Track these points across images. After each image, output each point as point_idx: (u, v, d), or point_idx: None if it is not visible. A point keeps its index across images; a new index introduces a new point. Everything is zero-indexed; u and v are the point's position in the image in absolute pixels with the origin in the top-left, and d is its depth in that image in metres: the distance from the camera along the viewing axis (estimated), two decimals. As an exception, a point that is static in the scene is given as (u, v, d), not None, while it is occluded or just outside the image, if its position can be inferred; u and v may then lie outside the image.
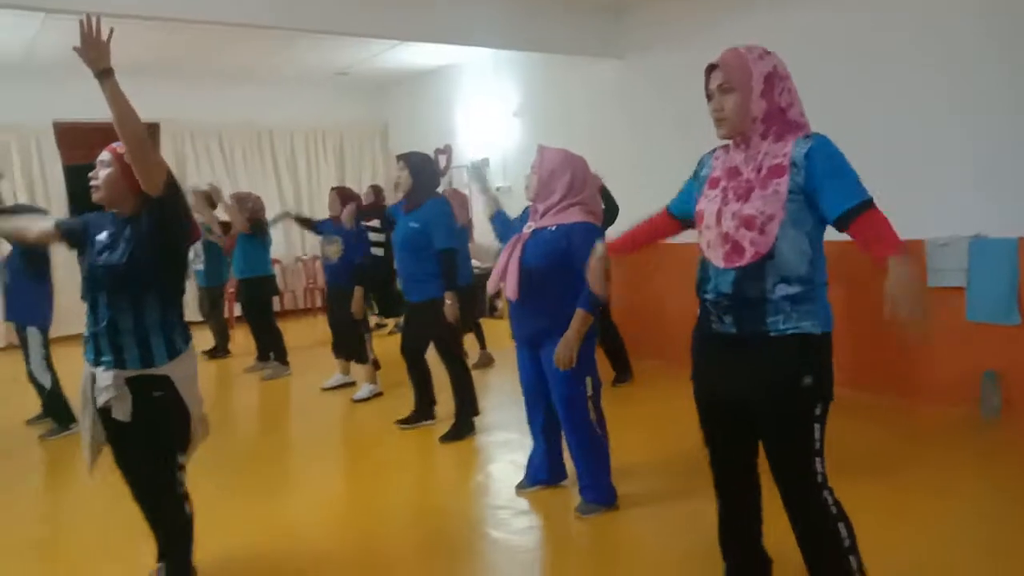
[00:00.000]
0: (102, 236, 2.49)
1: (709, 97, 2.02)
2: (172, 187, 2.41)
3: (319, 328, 8.20)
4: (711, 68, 2.01)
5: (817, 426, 1.97)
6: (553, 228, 3.11)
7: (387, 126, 10.90)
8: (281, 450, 4.67)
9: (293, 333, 6.84)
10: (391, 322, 8.26)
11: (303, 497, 3.70)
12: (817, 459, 1.98)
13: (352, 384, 5.72)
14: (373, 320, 7.13)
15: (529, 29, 6.27)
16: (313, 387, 5.85)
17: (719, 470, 2.23)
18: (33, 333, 4.84)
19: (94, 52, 2.21)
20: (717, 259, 1.99)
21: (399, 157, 4.38)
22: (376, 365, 5.59)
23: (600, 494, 3.23)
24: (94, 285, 2.46)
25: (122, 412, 2.42)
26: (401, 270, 4.46)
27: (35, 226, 2.75)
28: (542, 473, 3.52)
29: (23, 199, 8.02)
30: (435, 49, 8.68)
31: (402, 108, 10.48)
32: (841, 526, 1.99)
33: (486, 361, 6.26)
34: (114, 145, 2.43)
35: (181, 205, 2.49)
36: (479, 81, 9.04)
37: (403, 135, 10.27)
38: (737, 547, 2.27)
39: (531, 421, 3.48)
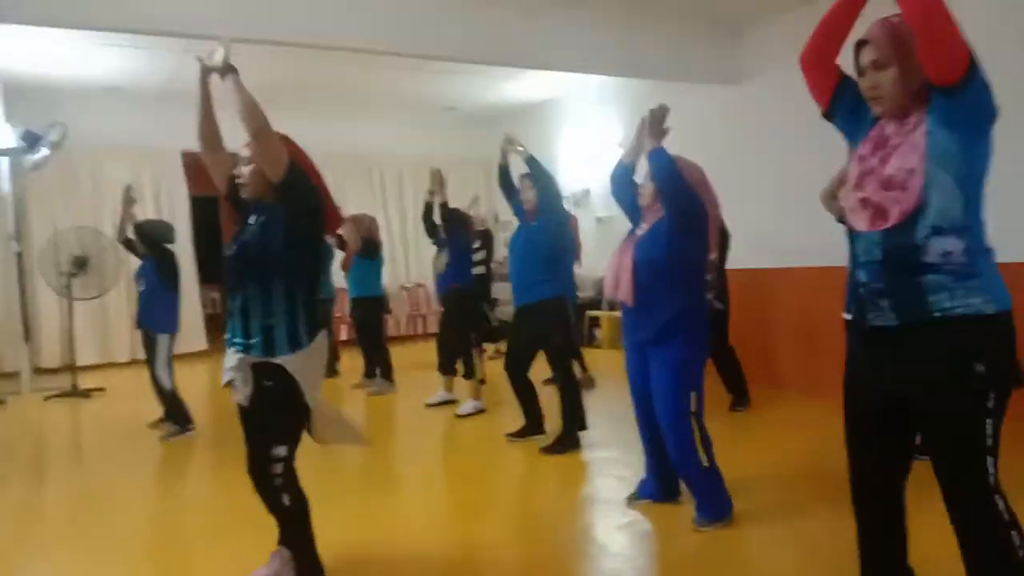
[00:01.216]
0: (251, 219, 2.59)
1: (860, 74, 1.93)
2: (294, 173, 2.47)
3: (422, 353, 8.37)
4: (860, 44, 1.92)
5: (990, 421, 1.78)
6: (662, 219, 3.11)
7: (491, 161, 11.10)
8: (388, 458, 4.74)
9: (397, 356, 6.99)
10: (491, 347, 8.32)
11: (410, 499, 3.76)
12: (989, 459, 1.79)
13: (455, 402, 5.78)
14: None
15: (641, 56, 6.35)
16: (417, 404, 5.94)
17: (863, 485, 2.06)
18: (162, 339, 5.12)
19: (219, 58, 2.47)
20: (862, 223, 1.88)
21: (525, 176, 4.46)
22: (481, 382, 5.63)
23: (711, 509, 3.12)
24: (231, 268, 2.55)
25: (241, 395, 2.49)
26: (515, 276, 4.49)
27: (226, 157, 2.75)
28: (650, 487, 3.43)
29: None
30: (540, 83, 8.88)
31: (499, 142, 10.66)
32: (1014, 535, 1.80)
33: (587, 384, 6.21)
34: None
35: (307, 191, 2.53)
36: (583, 113, 9.15)
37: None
38: (877, 565, 2.10)
39: (642, 430, 3.38)
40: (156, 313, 5.14)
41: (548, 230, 4.32)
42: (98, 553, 3.17)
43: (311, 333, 2.52)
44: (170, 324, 5.18)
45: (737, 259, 5.32)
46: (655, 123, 3.15)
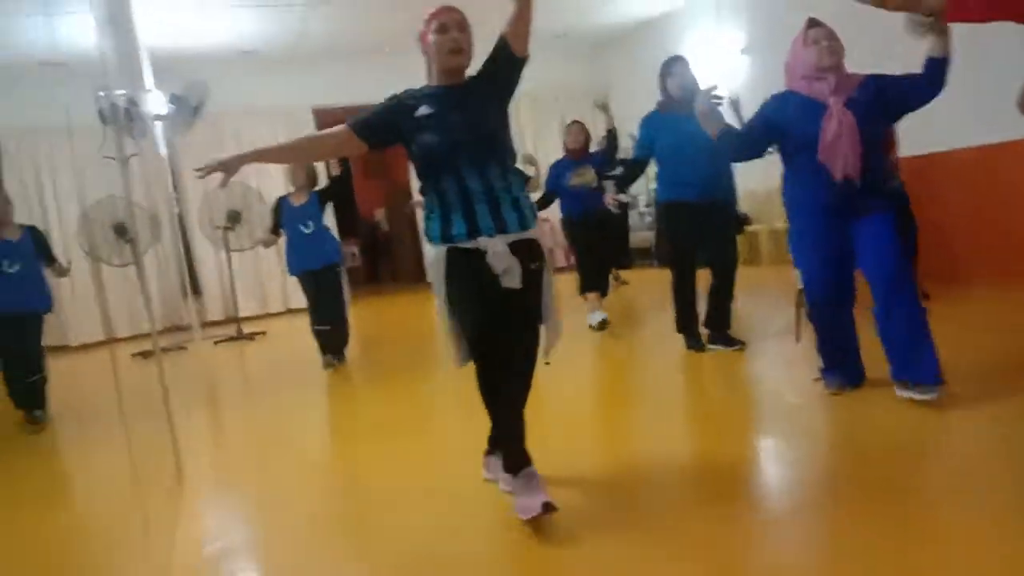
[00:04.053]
0: (424, 110, 2.41)
1: None
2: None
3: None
4: None
5: None
6: (864, 83, 3.01)
7: (608, 87, 10.96)
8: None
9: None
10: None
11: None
12: None
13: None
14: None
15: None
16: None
17: None
18: (344, 274, 5.56)
19: None
20: None
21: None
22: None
23: (935, 371, 2.89)
24: (454, 152, 2.36)
25: (515, 279, 2.34)
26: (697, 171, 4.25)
27: (324, 140, 2.60)
28: (853, 372, 3.25)
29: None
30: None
31: (623, 67, 10.47)
32: None
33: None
34: (450, 8, 2.44)
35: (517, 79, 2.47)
36: (701, 26, 8.82)
37: (625, 94, 10.26)
38: None
39: (837, 310, 3.18)
40: (332, 247, 5.47)
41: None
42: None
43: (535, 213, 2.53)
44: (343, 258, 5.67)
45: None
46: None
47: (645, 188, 10.34)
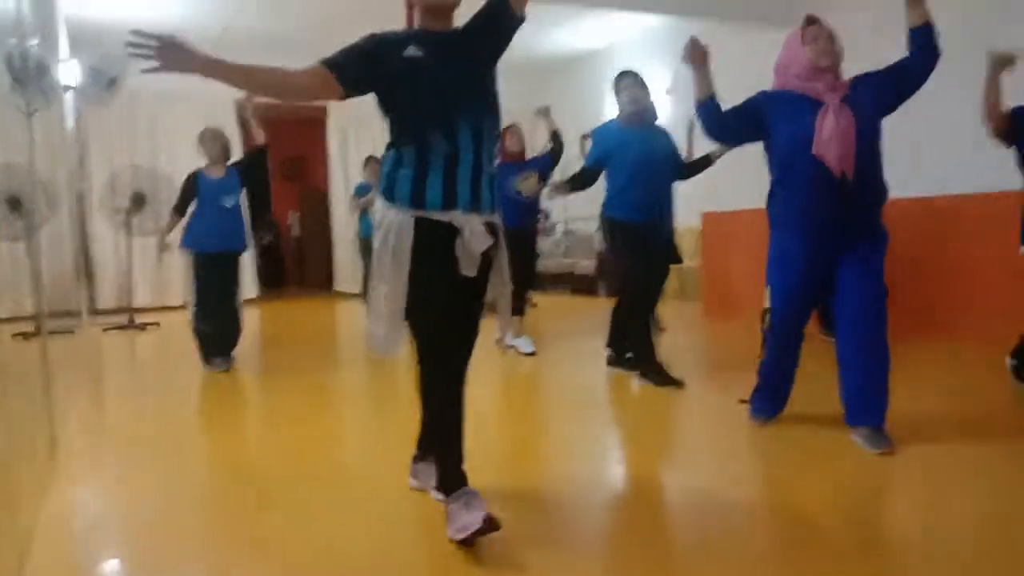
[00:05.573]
0: (414, 51, 2.07)
1: None
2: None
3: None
4: None
5: None
6: (855, 82, 2.88)
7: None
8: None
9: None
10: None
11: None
12: None
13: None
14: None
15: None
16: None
17: None
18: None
19: None
20: None
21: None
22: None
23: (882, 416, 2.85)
24: (451, 103, 2.08)
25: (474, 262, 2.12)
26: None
27: (294, 77, 2.07)
28: (780, 403, 3.19)
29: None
30: (588, 31, 8.85)
31: (551, 93, 10.67)
32: None
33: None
34: None
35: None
36: (629, 63, 9.07)
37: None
38: None
39: (791, 343, 3.08)
40: (243, 232, 5.08)
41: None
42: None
43: None
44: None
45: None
46: (693, 53, 3.04)
47: (563, 216, 10.54)
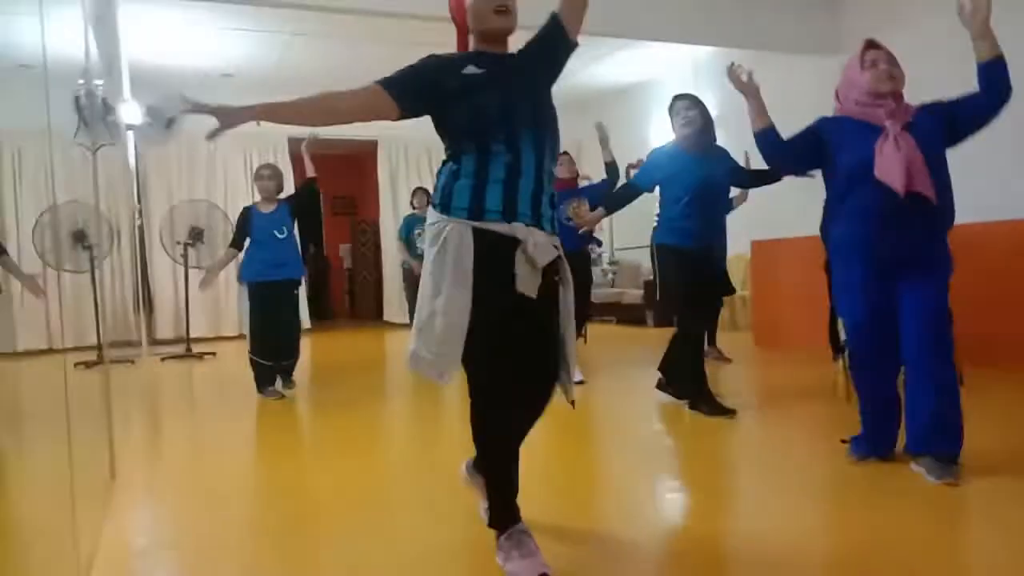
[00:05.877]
0: (473, 69, 2.05)
1: None
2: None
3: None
4: None
5: None
6: (920, 110, 2.79)
7: (580, 144, 11.19)
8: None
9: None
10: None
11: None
12: None
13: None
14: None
15: (740, 28, 6.33)
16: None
17: None
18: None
19: None
20: None
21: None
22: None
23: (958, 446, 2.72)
24: (514, 116, 2.03)
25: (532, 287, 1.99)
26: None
27: (347, 99, 2.05)
28: (886, 441, 2.95)
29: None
30: (630, 65, 8.90)
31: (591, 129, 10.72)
32: None
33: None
34: None
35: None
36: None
37: (597, 151, 10.49)
38: None
39: (881, 379, 2.91)
40: (299, 262, 5.28)
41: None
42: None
43: None
44: None
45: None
46: (736, 82, 3.05)
47: (609, 245, 10.51)
